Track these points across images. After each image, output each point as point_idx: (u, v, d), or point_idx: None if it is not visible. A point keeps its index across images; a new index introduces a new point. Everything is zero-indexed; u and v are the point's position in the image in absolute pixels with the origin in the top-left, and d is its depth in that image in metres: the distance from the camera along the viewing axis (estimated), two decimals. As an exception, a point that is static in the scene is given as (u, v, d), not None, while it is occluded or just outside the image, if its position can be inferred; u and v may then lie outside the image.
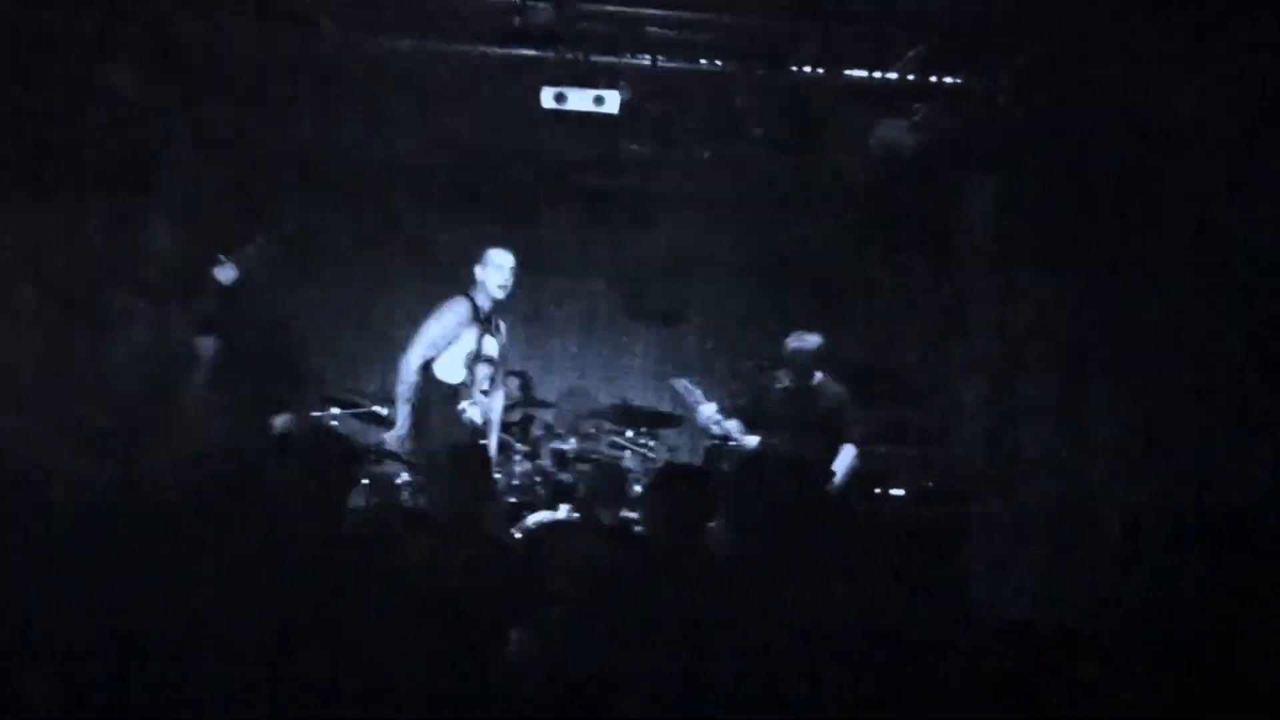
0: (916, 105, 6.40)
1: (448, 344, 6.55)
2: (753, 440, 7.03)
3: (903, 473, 8.00)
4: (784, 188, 8.19)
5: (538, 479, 7.47)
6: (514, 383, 8.61)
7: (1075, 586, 7.34)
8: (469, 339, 6.59)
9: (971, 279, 7.99)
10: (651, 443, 8.68)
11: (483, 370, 6.62)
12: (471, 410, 6.49)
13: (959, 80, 6.39)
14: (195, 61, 6.52)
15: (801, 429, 7.06)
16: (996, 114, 6.22)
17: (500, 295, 6.61)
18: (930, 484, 7.98)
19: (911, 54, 6.19)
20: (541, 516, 6.66)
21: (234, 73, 6.59)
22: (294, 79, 6.65)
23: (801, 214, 8.71)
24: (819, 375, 7.15)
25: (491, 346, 6.72)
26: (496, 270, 6.54)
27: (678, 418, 8.56)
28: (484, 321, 6.64)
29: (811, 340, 7.05)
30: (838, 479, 6.98)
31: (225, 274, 5.85)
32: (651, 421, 8.53)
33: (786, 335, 7.18)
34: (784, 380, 7.06)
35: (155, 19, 6.15)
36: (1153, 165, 6.25)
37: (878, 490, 7.99)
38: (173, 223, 7.53)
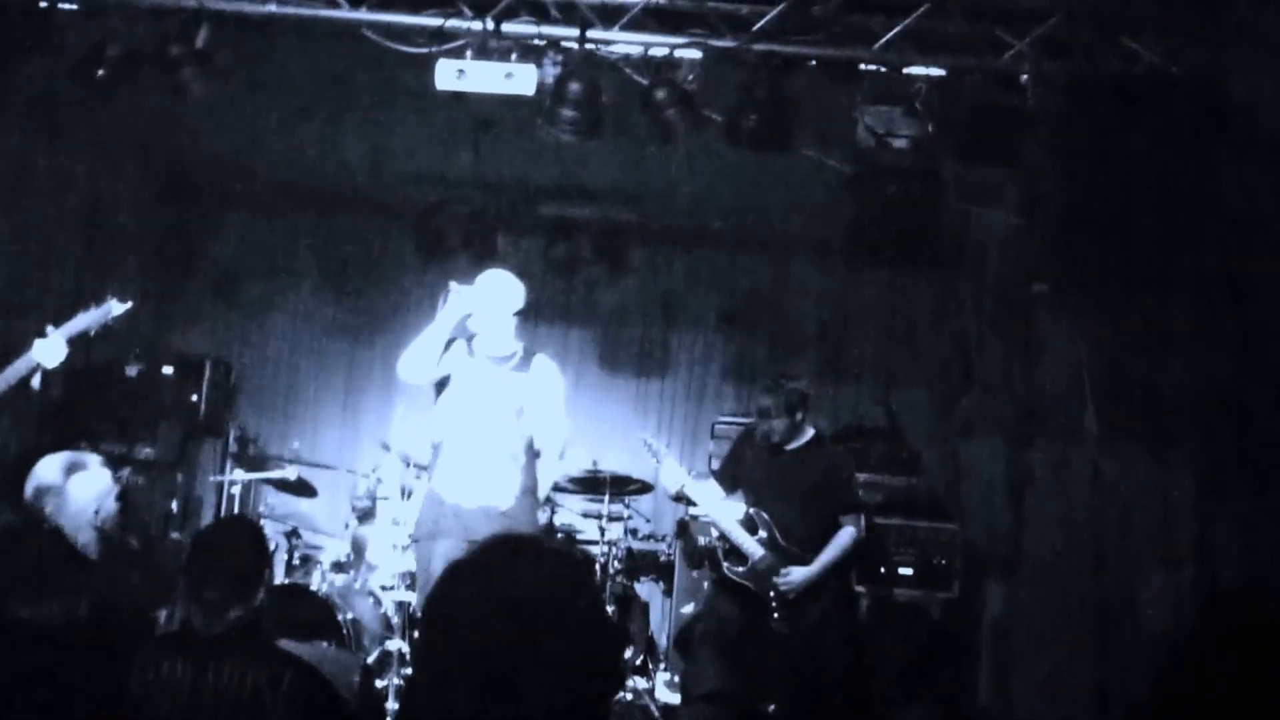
0: (914, 85, 5.00)
1: None
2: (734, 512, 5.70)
3: (908, 548, 6.72)
4: (752, 193, 6.93)
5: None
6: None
7: (1109, 689, 6.54)
8: None
9: (984, 309, 6.73)
10: (626, 513, 7.61)
11: None
12: None
13: (966, 53, 5.00)
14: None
15: (791, 497, 5.80)
16: (1017, 94, 4.85)
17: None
18: (940, 561, 7.02)
19: (906, 22, 4.85)
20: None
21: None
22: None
23: (773, 226, 7.57)
24: (810, 430, 5.86)
25: None
26: None
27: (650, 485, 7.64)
28: None
29: (794, 384, 5.72)
30: (820, 563, 5.62)
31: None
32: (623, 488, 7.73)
33: (770, 381, 5.87)
34: (775, 434, 5.73)
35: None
36: (1208, 161, 4.92)
37: (883, 570, 7.05)
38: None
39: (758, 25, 4.94)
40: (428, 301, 9.53)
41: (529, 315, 9.34)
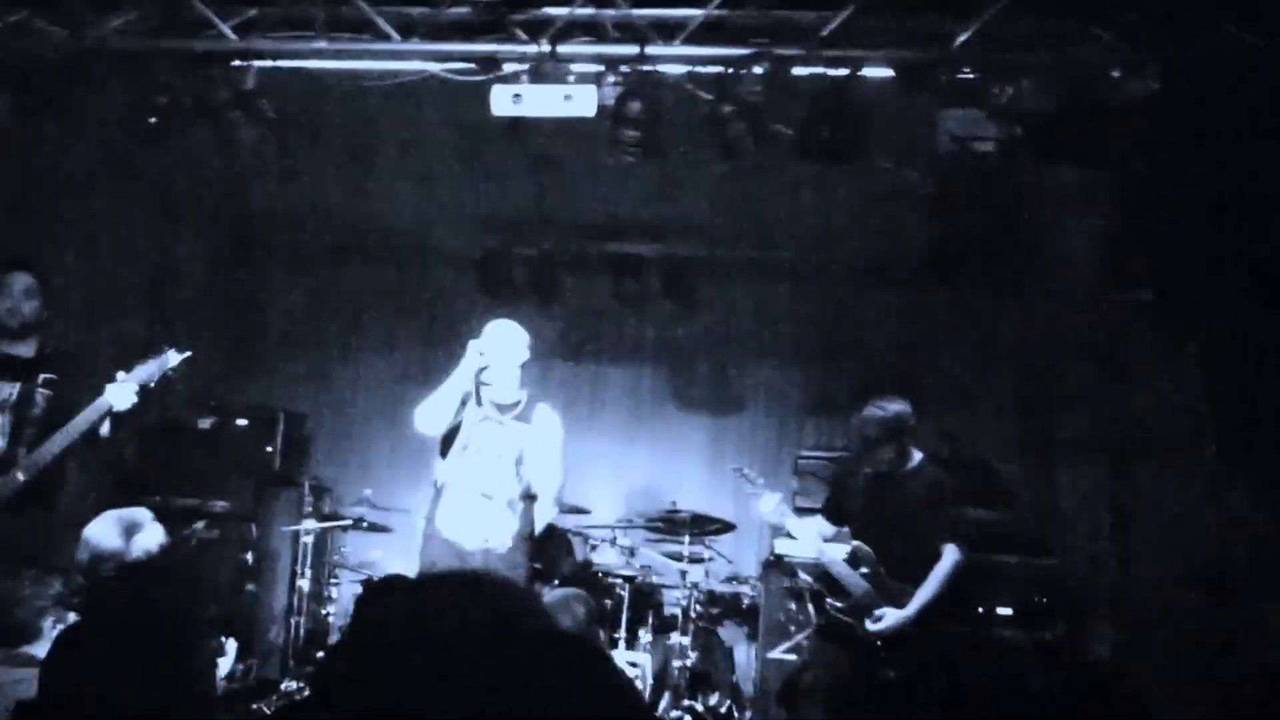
0: (995, 86, 4.68)
1: None
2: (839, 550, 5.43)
3: (1005, 586, 6.33)
4: (824, 210, 6.66)
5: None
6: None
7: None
8: None
9: (1076, 323, 6.25)
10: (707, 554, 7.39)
11: None
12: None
13: (1049, 48, 4.69)
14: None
15: (897, 526, 5.52)
16: (1107, 88, 4.50)
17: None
18: (1041, 599, 6.66)
19: (984, 18, 4.56)
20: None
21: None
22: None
23: (844, 251, 7.26)
24: (917, 455, 5.58)
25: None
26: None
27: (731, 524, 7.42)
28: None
29: (895, 408, 5.42)
30: (918, 601, 5.29)
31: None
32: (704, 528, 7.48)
33: (862, 405, 5.58)
34: (881, 464, 5.45)
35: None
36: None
37: (979, 610, 6.69)
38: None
39: (824, 31, 4.69)
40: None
41: (597, 356, 9.40)
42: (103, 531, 4.15)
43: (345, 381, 9.28)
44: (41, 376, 4.86)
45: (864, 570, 5.48)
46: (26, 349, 4.98)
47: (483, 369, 5.21)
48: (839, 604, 5.54)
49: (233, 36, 5.07)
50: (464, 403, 5.33)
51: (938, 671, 5.30)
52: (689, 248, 8.90)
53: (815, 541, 5.58)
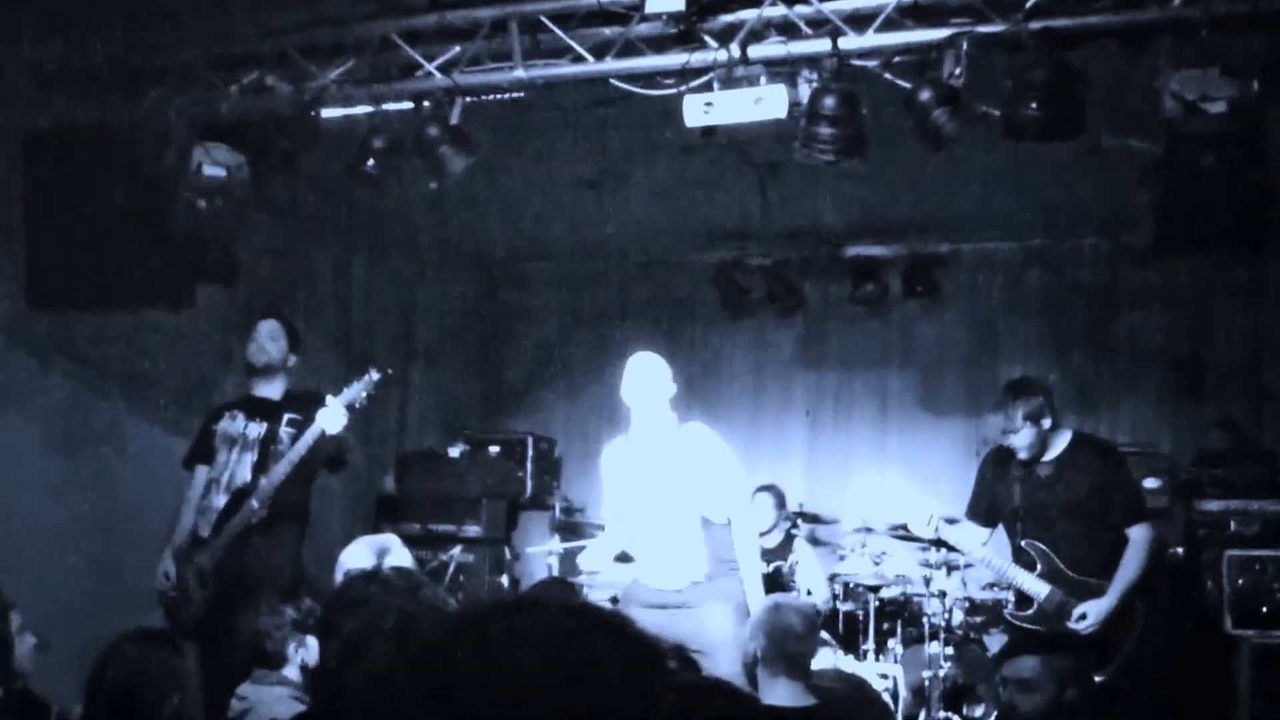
0: (1228, 39, 4.24)
1: None
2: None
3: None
4: (1046, 189, 6.24)
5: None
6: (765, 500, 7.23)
7: None
8: None
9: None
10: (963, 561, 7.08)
11: None
12: None
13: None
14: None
15: (1060, 516, 5.06)
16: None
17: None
18: None
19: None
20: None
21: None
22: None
23: (1077, 229, 6.79)
24: (1065, 436, 5.14)
25: None
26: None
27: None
28: None
29: (1031, 392, 5.06)
30: (1118, 588, 4.83)
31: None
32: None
33: (1006, 391, 5.20)
34: (1022, 450, 5.06)
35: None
36: None
37: (1264, 610, 5.95)
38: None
39: (1029, 2, 4.39)
40: (739, 358, 9.49)
41: (840, 363, 9.20)
42: (356, 555, 4.35)
43: (591, 402, 9.45)
44: (287, 416, 5.16)
45: (1040, 569, 5.04)
46: (274, 390, 5.30)
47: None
48: (1022, 613, 5.14)
49: (440, 76, 5.24)
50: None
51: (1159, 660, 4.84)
52: (928, 244, 8.61)
53: (976, 548, 5.20)
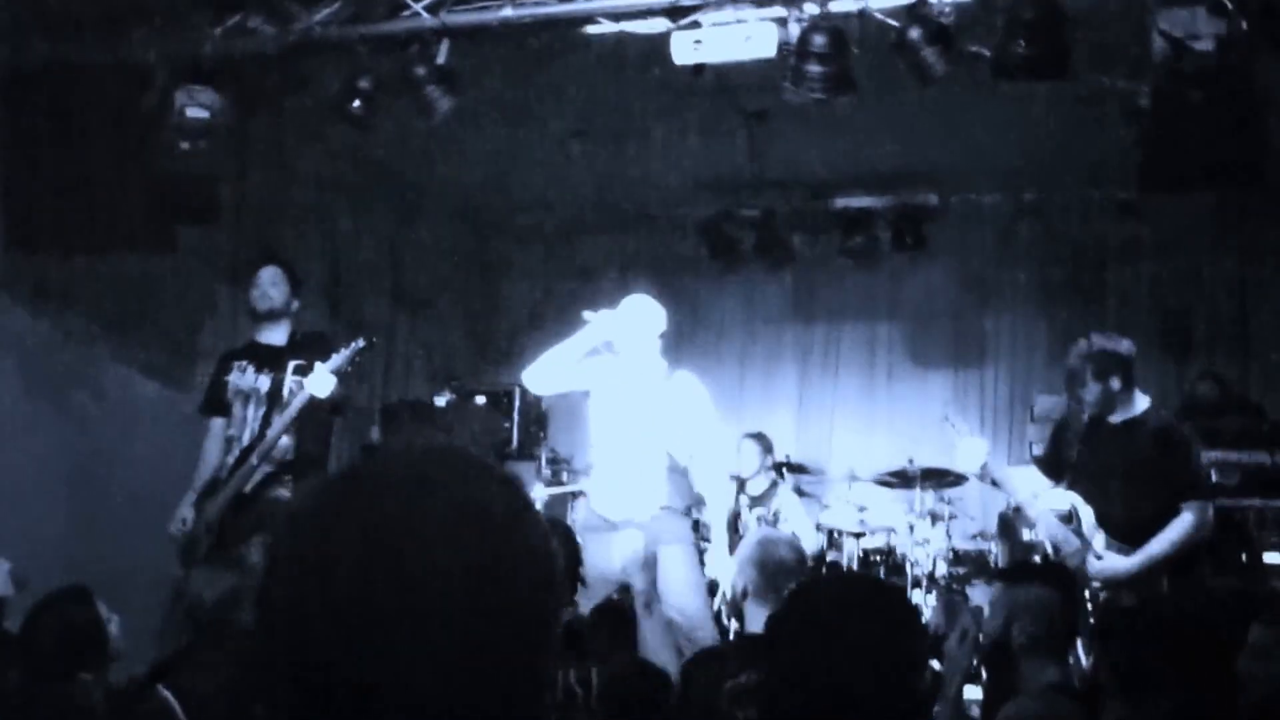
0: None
1: None
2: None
3: (1274, 532, 5.80)
4: (1036, 141, 6.21)
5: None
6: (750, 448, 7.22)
7: None
8: None
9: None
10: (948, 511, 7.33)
11: None
12: None
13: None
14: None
15: (1112, 478, 4.94)
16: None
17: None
18: None
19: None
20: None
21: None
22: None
23: (1066, 181, 6.74)
24: (1142, 401, 5.02)
25: None
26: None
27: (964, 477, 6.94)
28: None
29: (1105, 344, 4.95)
30: (1145, 554, 4.80)
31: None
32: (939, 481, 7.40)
33: (1081, 343, 5.09)
34: (1088, 405, 4.98)
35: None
36: None
37: (1244, 558, 6.00)
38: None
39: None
40: (729, 310, 9.46)
41: (829, 315, 9.18)
42: None
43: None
44: (291, 364, 5.15)
45: (1074, 526, 4.97)
46: (279, 336, 5.29)
47: (606, 342, 5.23)
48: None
49: (426, 16, 5.18)
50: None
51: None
52: (916, 195, 8.57)
53: (1027, 494, 5.16)
